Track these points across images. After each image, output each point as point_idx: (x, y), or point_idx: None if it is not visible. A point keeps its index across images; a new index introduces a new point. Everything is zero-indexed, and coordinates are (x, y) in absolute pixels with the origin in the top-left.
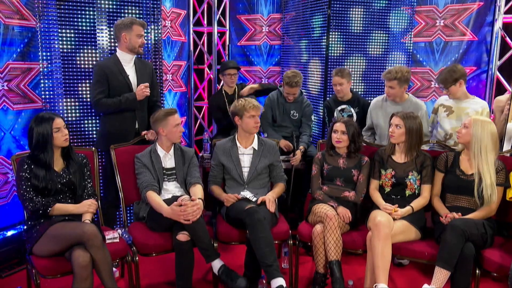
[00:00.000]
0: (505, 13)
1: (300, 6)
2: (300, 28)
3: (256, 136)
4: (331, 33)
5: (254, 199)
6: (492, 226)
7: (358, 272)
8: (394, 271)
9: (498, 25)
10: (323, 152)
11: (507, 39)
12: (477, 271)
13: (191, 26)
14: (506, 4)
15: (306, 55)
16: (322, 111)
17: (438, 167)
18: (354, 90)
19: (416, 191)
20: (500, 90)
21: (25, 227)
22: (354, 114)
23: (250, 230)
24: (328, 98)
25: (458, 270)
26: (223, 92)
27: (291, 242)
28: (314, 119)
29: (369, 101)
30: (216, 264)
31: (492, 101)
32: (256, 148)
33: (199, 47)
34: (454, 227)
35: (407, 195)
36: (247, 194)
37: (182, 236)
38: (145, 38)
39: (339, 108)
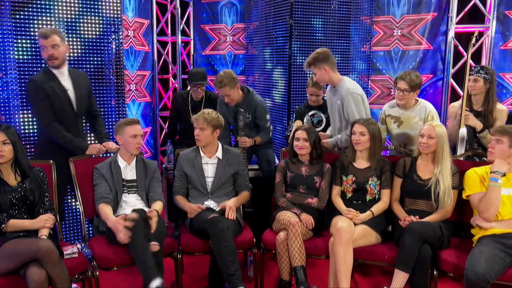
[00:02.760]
0: (457, 23)
1: (263, 16)
2: (264, 38)
3: (220, 145)
4: (293, 42)
5: (218, 209)
6: (448, 228)
7: (322, 278)
8: (357, 275)
9: (451, 34)
10: (286, 160)
11: (460, 47)
12: (434, 272)
13: (155, 35)
14: (457, 15)
15: (270, 64)
16: (293, 117)
17: (397, 172)
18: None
19: (376, 196)
20: (455, 96)
21: None
22: (324, 119)
23: (213, 239)
24: (299, 105)
25: (416, 272)
26: (190, 95)
27: (255, 250)
28: (276, 127)
29: None
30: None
31: (448, 107)
32: (221, 157)
33: (163, 56)
34: (411, 230)
35: (367, 200)
36: (210, 204)
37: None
38: (107, 47)
39: (310, 113)
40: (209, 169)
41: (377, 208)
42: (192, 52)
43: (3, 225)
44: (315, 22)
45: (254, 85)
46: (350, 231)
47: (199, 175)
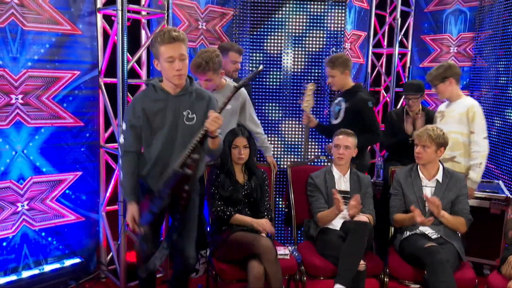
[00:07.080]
0: None
1: (500, 23)
2: (499, 48)
3: (441, 166)
4: None
5: (434, 236)
6: None
7: None
8: None
9: None
10: None
11: None
12: None
13: (371, 47)
14: None
15: (504, 78)
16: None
17: None
18: None
19: None
20: None
21: (210, 230)
22: (342, 110)
23: (429, 271)
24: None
25: None
26: (405, 110)
27: None
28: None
29: None
30: None
31: None
32: (441, 181)
33: (377, 68)
34: None
35: None
36: (427, 230)
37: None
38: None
39: (336, 100)
40: (427, 192)
41: None
42: (408, 64)
43: (230, 217)
44: None
45: (479, 101)
46: None
47: (417, 197)
